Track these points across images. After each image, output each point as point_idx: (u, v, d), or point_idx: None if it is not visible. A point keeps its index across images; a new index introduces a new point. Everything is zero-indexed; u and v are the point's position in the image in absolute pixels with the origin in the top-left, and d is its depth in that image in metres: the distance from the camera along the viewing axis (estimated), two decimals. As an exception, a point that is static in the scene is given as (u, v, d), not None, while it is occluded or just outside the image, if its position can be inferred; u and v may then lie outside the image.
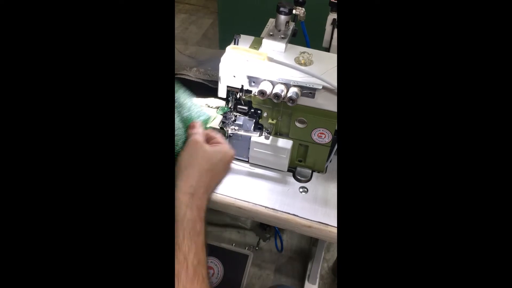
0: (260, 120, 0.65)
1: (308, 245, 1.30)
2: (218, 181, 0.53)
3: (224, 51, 0.62)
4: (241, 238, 1.30)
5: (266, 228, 1.27)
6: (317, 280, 1.17)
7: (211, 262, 1.13)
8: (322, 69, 0.60)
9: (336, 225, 0.60)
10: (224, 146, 0.54)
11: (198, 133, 0.55)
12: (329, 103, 0.59)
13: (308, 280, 1.17)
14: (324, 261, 1.27)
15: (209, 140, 0.56)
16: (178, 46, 0.89)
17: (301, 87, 0.58)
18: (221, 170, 0.53)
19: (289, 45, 0.65)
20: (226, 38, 1.56)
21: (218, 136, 0.56)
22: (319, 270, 1.17)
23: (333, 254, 1.30)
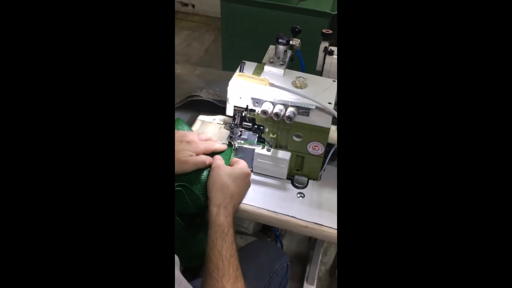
0: (262, 134, 0.75)
1: (306, 249, 1.38)
2: (240, 193, 0.68)
3: (227, 72, 0.72)
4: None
5: (267, 233, 1.36)
6: (315, 281, 1.25)
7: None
8: (315, 91, 0.70)
9: (328, 225, 0.69)
10: (241, 165, 0.69)
11: (219, 158, 0.70)
12: (322, 120, 0.69)
13: (306, 281, 1.26)
14: (322, 264, 1.35)
15: (232, 164, 0.71)
16: (189, 67, 0.99)
17: (297, 107, 0.68)
18: (241, 183, 0.68)
19: (287, 70, 0.75)
20: (228, 54, 1.67)
21: (240, 160, 0.72)
22: (316, 271, 1.26)
23: (329, 258, 1.38)
